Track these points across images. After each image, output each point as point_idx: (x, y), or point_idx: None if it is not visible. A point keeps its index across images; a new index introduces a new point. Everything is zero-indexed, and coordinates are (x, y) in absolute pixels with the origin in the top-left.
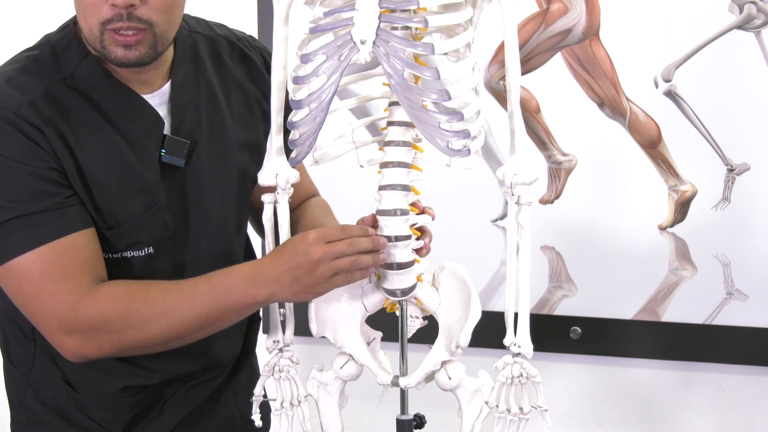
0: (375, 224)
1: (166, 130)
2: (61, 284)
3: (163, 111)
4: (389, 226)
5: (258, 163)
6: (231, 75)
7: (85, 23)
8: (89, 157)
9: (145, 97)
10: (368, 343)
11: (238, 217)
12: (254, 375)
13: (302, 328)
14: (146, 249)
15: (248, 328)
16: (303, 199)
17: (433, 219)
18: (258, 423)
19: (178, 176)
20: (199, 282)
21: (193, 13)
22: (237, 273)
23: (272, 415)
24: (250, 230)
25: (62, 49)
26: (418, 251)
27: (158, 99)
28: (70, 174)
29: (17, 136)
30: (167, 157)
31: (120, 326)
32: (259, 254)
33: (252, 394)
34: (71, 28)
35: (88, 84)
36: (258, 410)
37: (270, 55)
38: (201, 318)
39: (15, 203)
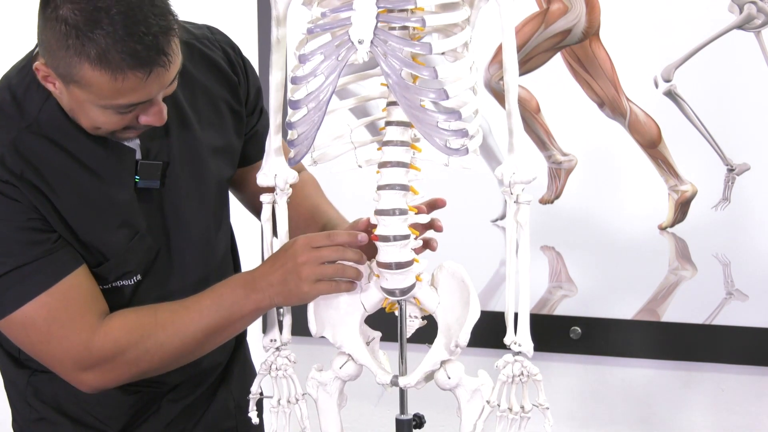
0: (369, 228)
1: (137, 156)
2: (69, 327)
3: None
4: (388, 226)
5: (232, 163)
6: (194, 80)
7: (89, 123)
8: (65, 201)
9: None
10: (367, 343)
11: (216, 219)
12: (247, 365)
13: (301, 328)
14: (135, 277)
15: None
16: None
17: (441, 231)
18: (255, 420)
19: (155, 197)
20: (202, 297)
21: (192, 14)
22: (236, 282)
23: (269, 413)
24: (239, 227)
25: (23, 93)
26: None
27: None
28: (51, 220)
29: None
30: (142, 182)
31: (136, 354)
32: (246, 249)
33: (245, 383)
34: (29, 68)
35: (53, 127)
36: (255, 408)
37: (231, 45)
38: (209, 330)
39: (6, 257)
